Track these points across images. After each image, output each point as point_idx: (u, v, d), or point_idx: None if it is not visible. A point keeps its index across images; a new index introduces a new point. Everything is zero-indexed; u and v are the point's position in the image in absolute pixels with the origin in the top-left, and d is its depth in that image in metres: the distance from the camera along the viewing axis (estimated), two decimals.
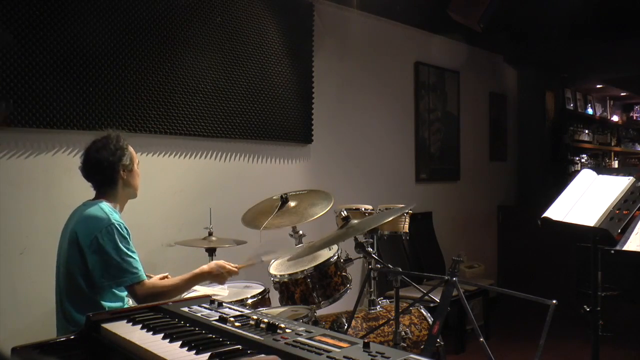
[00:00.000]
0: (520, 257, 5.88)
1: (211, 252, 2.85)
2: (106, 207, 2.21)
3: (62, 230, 2.30)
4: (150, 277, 2.37)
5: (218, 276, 2.39)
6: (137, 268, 2.15)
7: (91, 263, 2.12)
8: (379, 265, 2.63)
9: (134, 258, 2.16)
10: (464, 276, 4.96)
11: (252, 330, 1.32)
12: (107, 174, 2.26)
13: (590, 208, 2.33)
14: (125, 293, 2.25)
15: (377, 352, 1.10)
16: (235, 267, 2.44)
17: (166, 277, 2.52)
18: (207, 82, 3.39)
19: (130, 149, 2.33)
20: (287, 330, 1.29)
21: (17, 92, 2.61)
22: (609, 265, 2.67)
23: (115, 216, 2.19)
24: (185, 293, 2.56)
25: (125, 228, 2.19)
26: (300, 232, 2.98)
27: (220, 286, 2.60)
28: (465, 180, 5.70)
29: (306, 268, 2.58)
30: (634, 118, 9.05)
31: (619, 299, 4.12)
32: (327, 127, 4.19)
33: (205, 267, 2.36)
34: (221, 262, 2.42)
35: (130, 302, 2.29)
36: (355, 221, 2.49)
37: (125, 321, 1.53)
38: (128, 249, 2.15)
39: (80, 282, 2.14)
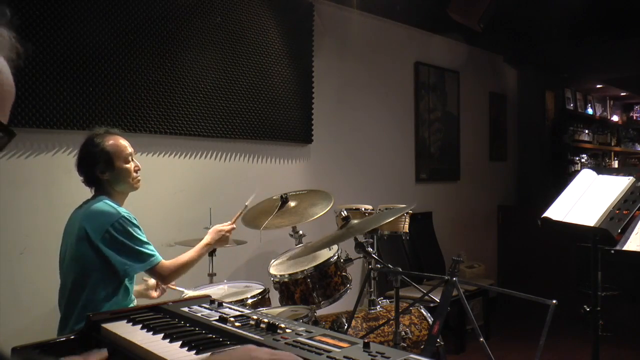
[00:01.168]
0: (520, 257, 5.88)
1: (211, 252, 2.84)
2: (110, 201, 2.25)
3: (64, 230, 2.30)
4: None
5: (221, 240, 2.50)
6: (153, 251, 2.26)
7: (110, 256, 2.17)
8: (379, 265, 2.63)
9: (148, 243, 2.26)
10: (464, 276, 4.96)
11: (252, 330, 1.32)
12: (86, 175, 2.31)
13: (590, 208, 2.33)
14: (132, 290, 2.31)
15: (377, 352, 1.10)
16: (230, 224, 2.55)
17: None
18: (207, 82, 3.39)
19: (110, 146, 2.27)
20: (287, 330, 1.29)
21: (17, 92, 2.60)
22: (609, 265, 2.66)
23: (122, 209, 2.25)
24: (185, 293, 2.59)
25: (135, 218, 2.25)
26: (300, 232, 2.99)
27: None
28: (465, 180, 5.70)
29: (306, 268, 2.58)
30: (634, 118, 9.06)
31: (619, 299, 4.13)
32: (327, 127, 4.19)
33: (207, 239, 2.48)
34: (216, 226, 2.53)
35: (135, 302, 2.31)
36: (355, 221, 2.49)
37: (125, 321, 1.53)
38: (141, 236, 2.24)
39: (93, 277, 2.17)
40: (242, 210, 2.68)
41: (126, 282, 2.26)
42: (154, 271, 2.27)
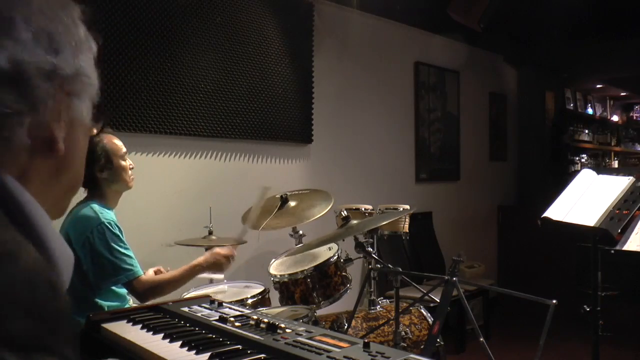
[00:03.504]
0: (520, 257, 5.88)
1: None
2: (96, 206, 2.20)
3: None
4: (145, 273, 2.38)
5: (215, 264, 2.39)
6: (131, 265, 2.15)
7: (85, 264, 2.12)
8: (379, 265, 2.63)
9: (127, 255, 2.16)
10: (464, 276, 4.96)
11: (252, 330, 1.32)
12: (85, 176, 2.26)
13: (590, 208, 2.33)
14: (126, 291, 2.26)
15: (377, 352, 1.10)
16: (229, 250, 2.45)
17: (159, 270, 2.53)
18: (207, 82, 3.39)
19: (108, 145, 2.26)
20: (287, 330, 1.29)
21: None
22: (609, 265, 2.66)
23: (105, 215, 2.19)
24: (186, 293, 2.57)
25: (117, 226, 2.19)
26: (300, 232, 2.98)
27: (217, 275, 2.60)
28: (465, 180, 5.70)
29: (306, 268, 2.58)
30: (634, 118, 9.05)
31: (619, 299, 4.12)
32: (327, 127, 4.19)
33: (200, 258, 2.38)
34: (215, 249, 2.43)
35: (131, 302, 2.30)
36: (355, 221, 2.49)
37: (125, 321, 1.53)
38: (120, 247, 2.15)
39: (76, 283, 2.13)
40: (241, 239, 2.64)
41: (115, 288, 2.22)
42: (129, 286, 2.16)
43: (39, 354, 0.53)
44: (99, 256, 2.11)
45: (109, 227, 2.15)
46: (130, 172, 2.34)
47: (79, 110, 0.72)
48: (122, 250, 2.15)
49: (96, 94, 0.75)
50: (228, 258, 2.44)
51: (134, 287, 2.16)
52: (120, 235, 2.18)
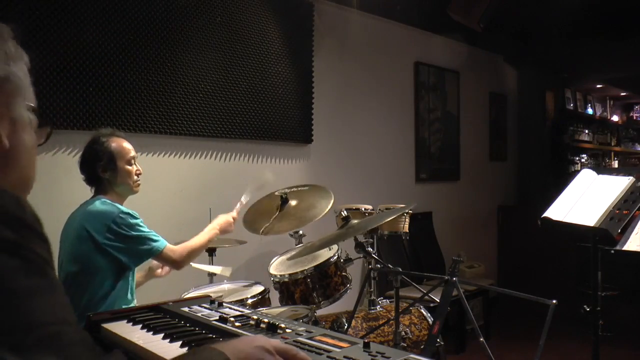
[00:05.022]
0: (520, 257, 5.88)
1: (211, 251, 2.85)
2: (108, 201, 2.27)
3: (62, 231, 2.30)
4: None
5: (228, 228, 2.61)
6: (159, 237, 2.30)
7: (116, 250, 2.19)
8: (379, 265, 2.63)
9: (152, 232, 2.29)
10: (464, 276, 4.96)
11: (252, 330, 1.32)
12: (87, 173, 2.33)
13: (590, 208, 2.33)
14: (134, 286, 2.33)
15: (377, 352, 1.10)
16: (234, 214, 2.68)
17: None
18: (207, 82, 3.39)
19: (115, 147, 2.31)
20: (287, 330, 1.29)
21: None
22: (609, 265, 2.66)
23: (121, 206, 2.27)
24: (186, 293, 2.59)
25: (135, 213, 2.29)
26: (301, 232, 2.98)
27: (223, 267, 2.74)
28: (465, 180, 5.70)
29: (306, 268, 2.58)
30: (634, 118, 9.05)
31: (619, 299, 4.12)
32: (327, 127, 4.19)
33: (215, 224, 2.56)
34: (223, 215, 2.63)
35: (135, 302, 2.31)
36: (355, 221, 2.49)
37: (126, 321, 1.52)
38: (144, 227, 2.27)
39: (94, 276, 2.19)
40: (240, 204, 2.77)
41: (129, 279, 2.28)
42: (162, 256, 2.29)
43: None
44: (128, 238, 2.21)
45: (130, 213, 2.25)
46: (136, 177, 2.38)
47: (17, 110, 0.79)
48: (147, 229, 2.28)
49: (32, 99, 0.83)
50: (234, 221, 2.64)
51: (167, 254, 2.29)
52: (140, 219, 2.29)
